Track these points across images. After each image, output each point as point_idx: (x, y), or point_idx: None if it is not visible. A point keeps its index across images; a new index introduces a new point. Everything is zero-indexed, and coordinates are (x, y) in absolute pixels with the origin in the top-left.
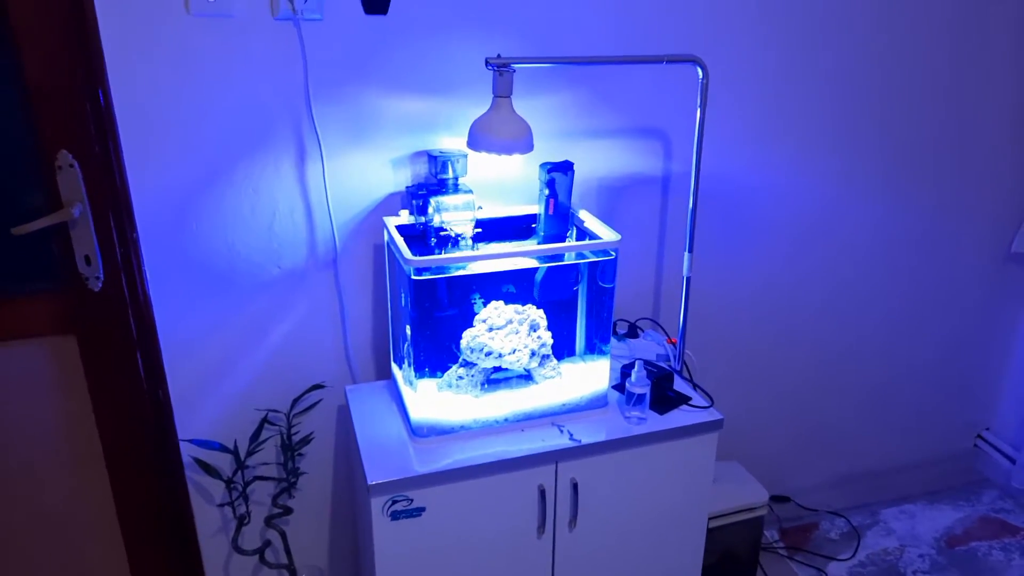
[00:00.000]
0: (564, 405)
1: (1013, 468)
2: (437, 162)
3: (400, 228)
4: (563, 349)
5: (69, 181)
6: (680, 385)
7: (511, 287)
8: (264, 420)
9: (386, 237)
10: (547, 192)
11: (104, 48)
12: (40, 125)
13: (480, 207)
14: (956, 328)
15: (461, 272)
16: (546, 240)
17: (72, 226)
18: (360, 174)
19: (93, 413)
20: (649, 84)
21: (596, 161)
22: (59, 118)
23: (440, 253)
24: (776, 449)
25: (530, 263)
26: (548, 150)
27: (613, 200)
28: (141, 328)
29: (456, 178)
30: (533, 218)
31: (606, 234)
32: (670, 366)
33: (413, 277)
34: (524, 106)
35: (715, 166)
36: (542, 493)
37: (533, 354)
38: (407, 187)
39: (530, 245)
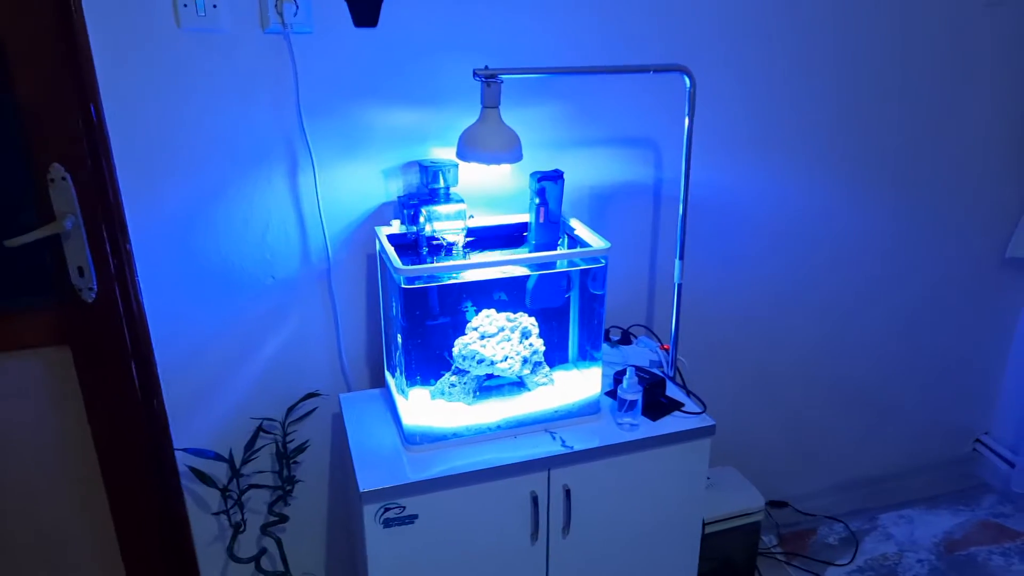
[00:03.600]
0: (556, 412)
1: (1012, 472)
2: (428, 172)
3: (391, 237)
4: (555, 356)
5: (61, 194)
6: (673, 391)
7: (503, 295)
8: (259, 429)
9: (378, 247)
10: (537, 201)
11: (95, 62)
12: (32, 139)
13: (471, 216)
14: (953, 333)
15: (452, 280)
16: (537, 248)
17: (65, 238)
18: (352, 185)
19: (88, 424)
20: (637, 94)
21: (587, 170)
22: (51, 132)
23: (431, 262)
24: (774, 454)
25: (521, 271)
26: (539, 159)
27: (604, 208)
28: (135, 339)
29: (447, 187)
30: (524, 227)
31: (596, 242)
32: (663, 372)
33: (403, 286)
34: (514, 116)
35: (705, 173)
36: (535, 500)
37: (525, 361)
38: (399, 197)
39: (521, 253)
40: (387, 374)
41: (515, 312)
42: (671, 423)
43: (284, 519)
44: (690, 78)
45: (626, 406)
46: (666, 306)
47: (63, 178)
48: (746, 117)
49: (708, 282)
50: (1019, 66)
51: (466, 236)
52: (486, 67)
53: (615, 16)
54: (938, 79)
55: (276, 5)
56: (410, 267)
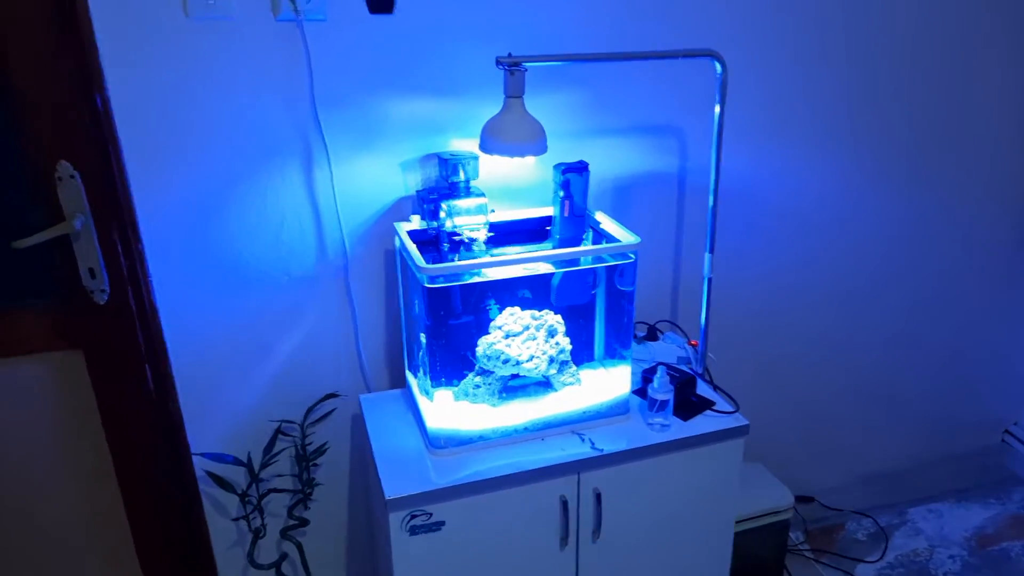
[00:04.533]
0: (584, 412)
1: None
2: (448, 165)
3: (412, 233)
4: (582, 355)
5: (70, 192)
6: (702, 389)
7: (527, 292)
8: (278, 431)
9: (397, 243)
10: (562, 194)
11: (101, 54)
12: (37, 136)
13: (493, 210)
14: (979, 320)
15: (476, 278)
16: (562, 243)
17: (75, 238)
18: (369, 178)
19: (103, 428)
20: (659, 81)
21: (609, 160)
22: (56, 128)
23: (453, 258)
24: (799, 448)
25: (547, 268)
26: (559, 150)
27: (627, 200)
28: (149, 341)
29: (467, 181)
30: (547, 220)
31: (624, 236)
32: (692, 369)
33: (427, 285)
34: (534, 105)
35: (732, 163)
36: (564, 504)
37: (551, 360)
38: (417, 191)
39: (547, 249)
40: (408, 374)
41: (540, 310)
42: (703, 423)
43: (304, 523)
44: (721, 64)
45: (657, 406)
46: (691, 300)
47: (71, 176)
48: (764, 106)
49: (728, 274)
50: None
51: (487, 231)
52: (509, 55)
53: (637, 3)
54: (954, 64)
55: None
56: (434, 266)
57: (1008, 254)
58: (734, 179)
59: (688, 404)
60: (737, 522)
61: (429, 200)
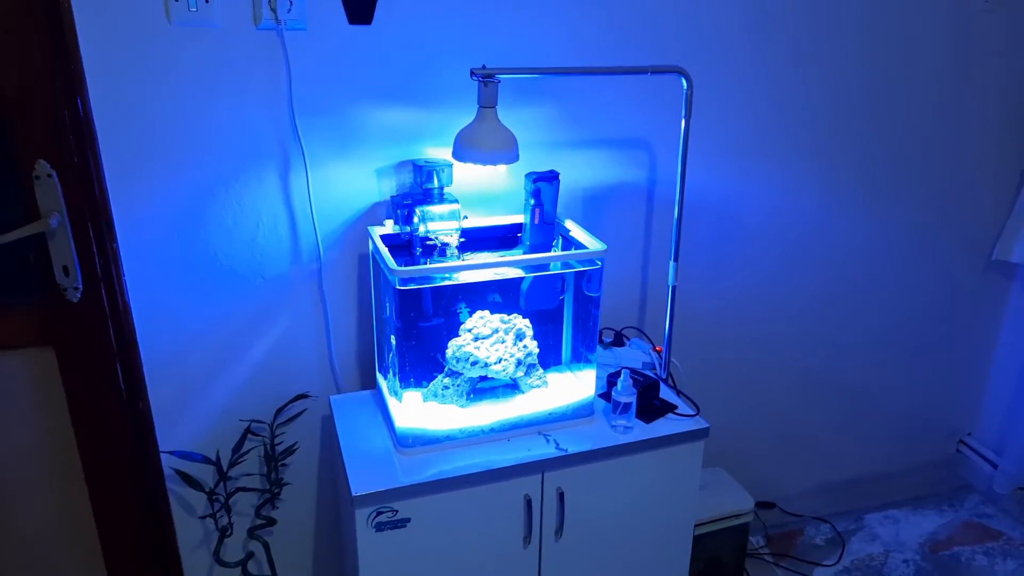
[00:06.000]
0: (550, 414)
1: (995, 473)
2: (422, 171)
3: (385, 238)
4: (549, 358)
5: (47, 191)
6: (665, 393)
7: (497, 296)
8: (247, 431)
9: (371, 247)
10: (532, 202)
11: (83, 56)
12: (17, 134)
13: (465, 216)
14: (938, 334)
15: (448, 282)
16: (532, 250)
17: (50, 236)
18: (345, 184)
19: (72, 426)
20: (631, 95)
21: (581, 171)
22: (36, 127)
23: (425, 262)
24: (761, 455)
25: (517, 272)
26: (532, 160)
27: (598, 209)
28: (121, 339)
29: (441, 187)
30: (518, 227)
31: (592, 243)
32: (656, 374)
33: (398, 287)
34: (508, 116)
35: (699, 176)
36: (528, 503)
37: (519, 363)
38: (392, 196)
39: (516, 255)
40: (379, 376)
41: (509, 314)
42: (665, 425)
43: (272, 522)
44: (687, 80)
45: (620, 408)
46: (658, 308)
47: (49, 175)
48: (738, 121)
49: (697, 283)
50: (1009, 70)
51: (459, 237)
52: (484, 66)
53: (610, 18)
54: (929, 85)
55: (270, 1)
56: (406, 268)
57: (971, 273)
58: (700, 192)
59: (651, 407)
60: (698, 524)
61: (403, 205)
